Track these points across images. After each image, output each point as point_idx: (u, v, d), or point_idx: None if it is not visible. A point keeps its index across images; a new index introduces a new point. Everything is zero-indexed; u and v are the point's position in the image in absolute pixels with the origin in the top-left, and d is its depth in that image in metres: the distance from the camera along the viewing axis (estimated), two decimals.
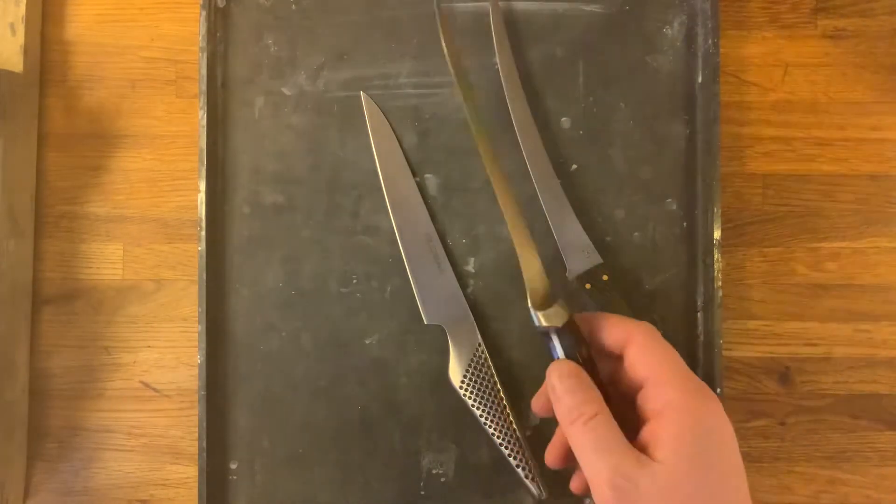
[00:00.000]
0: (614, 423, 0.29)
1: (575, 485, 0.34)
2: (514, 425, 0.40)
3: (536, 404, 0.35)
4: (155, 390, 0.46)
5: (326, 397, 0.43)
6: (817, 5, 0.46)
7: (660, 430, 0.29)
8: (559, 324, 0.33)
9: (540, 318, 0.34)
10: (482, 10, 0.44)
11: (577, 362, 0.32)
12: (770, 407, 0.44)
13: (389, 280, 0.43)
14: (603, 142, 0.44)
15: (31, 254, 0.46)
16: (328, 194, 0.44)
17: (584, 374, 0.32)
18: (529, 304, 0.34)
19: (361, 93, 0.44)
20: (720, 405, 0.30)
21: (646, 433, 0.29)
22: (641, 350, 0.31)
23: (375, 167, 0.44)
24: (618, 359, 0.33)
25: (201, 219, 0.43)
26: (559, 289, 0.43)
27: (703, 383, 0.30)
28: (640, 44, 0.44)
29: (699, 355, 0.42)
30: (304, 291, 0.44)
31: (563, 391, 0.31)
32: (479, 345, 0.41)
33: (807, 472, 0.44)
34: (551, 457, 0.35)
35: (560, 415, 0.31)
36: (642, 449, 0.29)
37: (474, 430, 0.43)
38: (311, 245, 0.44)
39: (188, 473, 0.45)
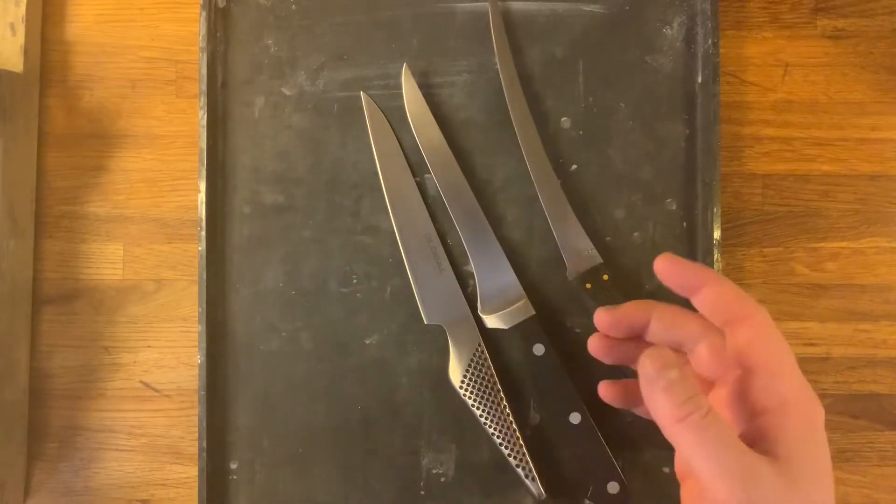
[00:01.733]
0: (725, 420, 0.26)
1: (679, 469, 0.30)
2: (514, 425, 0.40)
3: (608, 393, 0.33)
4: (155, 390, 0.46)
5: (326, 397, 0.43)
6: (817, 5, 0.46)
7: (781, 426, 0.26)
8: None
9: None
10: (482, 10, 0.44)
11: None
12: None
13: (389, 280, 0.44)
14: (603, 142, 0.44)
15: (31, 254, 0.46)
16: (328, 194, 0.44)
17: (688, 366, 0.29)
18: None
19: (361, 93, 0.44)
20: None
21: (760, 427, 0.27)
22: (760, 335, 0.28)
23: (375, 167, 0.44)
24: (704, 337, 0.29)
25: (201, 219, 0.43)
26: (557, 290, 0.43)
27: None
28: (640, 44, 0.44)
29: None
30: (304, 291, 0.44)
31: (666, 385, 0.26)
32: (480, 345, 0.41)
33: None
34: (610, 394, 0.33)
35: (661, 411, 0.27)
36: (752, 443, 0.26)
37: (474, 430, 0.43)
38: (311, 245, 0.44)
39: (188, 473, 0.45)
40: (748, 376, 0.27)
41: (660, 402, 0.27)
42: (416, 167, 0.44)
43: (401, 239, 0.43)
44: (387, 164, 0.43)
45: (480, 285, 0.42)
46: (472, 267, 0.42)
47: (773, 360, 0.27)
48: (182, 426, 0.45)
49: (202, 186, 0.43)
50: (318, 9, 0.45)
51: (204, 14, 0.44)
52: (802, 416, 0.27)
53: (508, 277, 0.42)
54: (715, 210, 0.42)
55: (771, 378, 0.27)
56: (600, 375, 0.42)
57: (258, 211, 0.44)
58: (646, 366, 0.27)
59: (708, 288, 0.29)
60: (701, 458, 0.25)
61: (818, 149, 0.45)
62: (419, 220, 0.43)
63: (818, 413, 0.27)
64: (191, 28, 0.46)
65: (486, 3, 0.44)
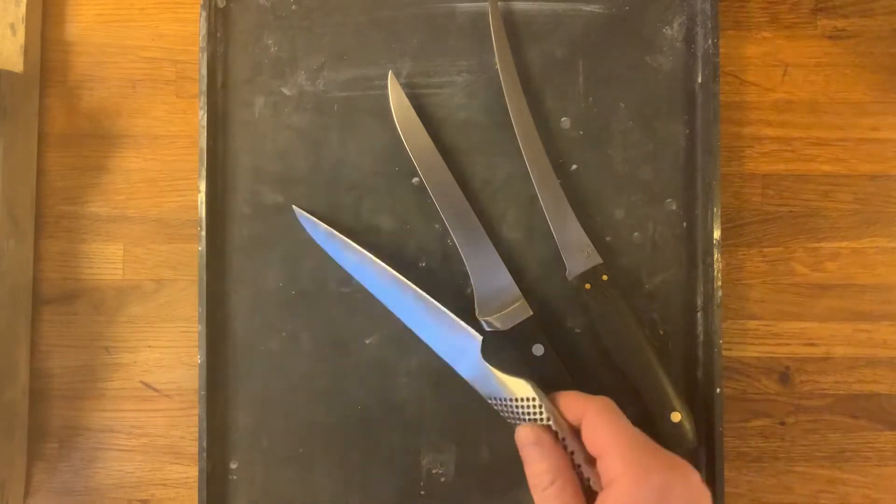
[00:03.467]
0: (571, 489, 0.32)
1: None
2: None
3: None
4: (155, 390, 0.46)
5: (326, 397, 0.43)
6: (817, 5, 0.46)
7: (607, 501, 0.31)
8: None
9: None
10: (482, 10, 0.44)
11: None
12: (770, 407, 0.44)
13: None
14: (603, 142, 0.44)
15: (31, 254, 0.46)
16: (328, 194, 0.44)
17: (546, 439, 0.34)
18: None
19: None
20: (679, 475, 0.31)
21: (599, 500, 0.31)
22: (593, 424, 0.33)
23: (375, 167, 0.44)
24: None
25: (201, 219, 0.43)
26: (557, 290, 0.43)
27: (662, 456, 0.32)
28: (640, 44, 0.44)
29: (699, 355, 0.43)
30: (304, 291, 0.44)
31: (527, 459, 0.34)
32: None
33: (806, 472, 0.44)
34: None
35: (528, 479, 0.34)
36: None
37: (474, 430, 0.43)
38: (311, 245, 0.44)
39: (188, 473, 0.45)
40: (597, 459, 0.33)
41: (526, 470, 0.34)
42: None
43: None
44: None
45: (476, 288, 0.42)
46: (468, 270, 0.42)
47: (604, 444, 0.32)
48: (182, 426, 0.45)
49: (202, 186, 0.43)
50: (318, 9, 0.45)
51: (204, 14, 0.44)
52: (622, 492, 0.31)
53: (504, 279, 0.42)
54: (715, 210, 0.42)
55: (602, 460, 0.32)
56: (600, 375, 0.43)
57: (258, 211, 0.44)
58: (520, 436, 0.35)
59: (559, 398, 0.36)
60: None
61: (818, 149, 0.45)
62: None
63: (654, 485, 0.30)
64: (191, 28, 0.46)
65: (486, 3, 0.44)
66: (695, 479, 0.31)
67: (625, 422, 0.33)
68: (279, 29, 0.45)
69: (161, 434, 0.45)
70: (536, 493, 0.33)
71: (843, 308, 0.45)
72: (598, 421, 0.33)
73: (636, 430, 0.33)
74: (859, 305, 0.45)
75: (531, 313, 0.41)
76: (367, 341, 0.44)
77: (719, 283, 0.41)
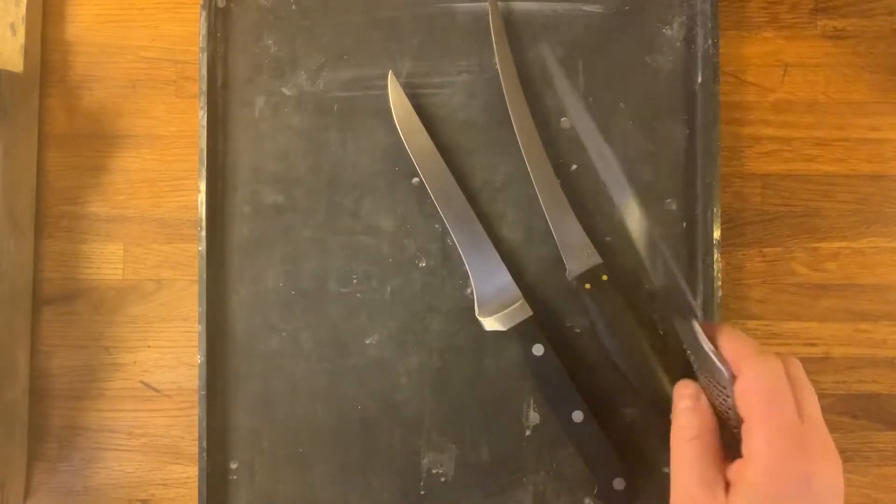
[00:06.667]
0: (712, 452, 0.31)
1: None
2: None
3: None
4: (155, 390, 0.46)
5: (326, 397, 0.43)
6: (817, 5, 0.46)
7: (742, 475, 0.29)
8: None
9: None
10: (482, 10, 0.44)
11: None
12: None
13: (389, 280, 0.44)
14: None
15: (31, 254, 0.46)
16: (328, 194, 0.44)
17: (703, 399, 0.32)
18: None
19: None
20: (826, 465, 0.29)
21: (734, 469, 0.30)
22: (742, 391, 0.30)
23: (375, 167, 0.44)
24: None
25: (201, 219, 0.43)
26: (557, 290, 0.43)
27: (808, 443, 0.29)
28: (639, 44, 0.44)
29: None
30: (304, 291, 0.44)
31: (678, 409, 0.33)
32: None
33: None
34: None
35: (672, 427, 0.33)
36: (732, 476, 0.30)
37: (474, 430, 0.43)
38: (311, 245, 0.44)
39: (188, 473, 0.45)
40: (743, 422, 0.30)
41: (675, 418, 0.33)
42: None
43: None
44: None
45: (477, 288, 0.42)
46: (468, 270, 0.42)
47: (749, 414, 0.30)
48: (182, 426, 0.45)
49: (202, 186, 0.43)
50: (318, 9, 0.45)
51: (204, 14, 0.44)
52: (758, 473, 0.29)
53: (504, 279, 0.42)
54: (715, 210, 0.42)
55: (745, 427, 0.30)
56: (601, 375, 0.43)
57: (258, 211, 0.44)
58: (679, 386, 0.33)
59: (722, 335, 0.33)
60: (675, 467, 0.32)
61: (818, 149, 0.45)
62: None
63: (795, 476, 0.28)
64: (191, 28, 0.46)
65: (486, 3, 0.44)
66: (835, 472, 0.29)
67: (781, 393, 0.30)
68: (279, 29, 0.45)
69: (161, 434, 0.45)
70: (677, 442, 0.32)
71: (843, 308, 0.45)
72: (752, 389, 0.30)
73: (790, 406, 0.29)
74: (859, 305, 0.45)
75: (531, 313, 0.41)
76: (367, 341, 0.44)
77: (719, 283, 0.41)
